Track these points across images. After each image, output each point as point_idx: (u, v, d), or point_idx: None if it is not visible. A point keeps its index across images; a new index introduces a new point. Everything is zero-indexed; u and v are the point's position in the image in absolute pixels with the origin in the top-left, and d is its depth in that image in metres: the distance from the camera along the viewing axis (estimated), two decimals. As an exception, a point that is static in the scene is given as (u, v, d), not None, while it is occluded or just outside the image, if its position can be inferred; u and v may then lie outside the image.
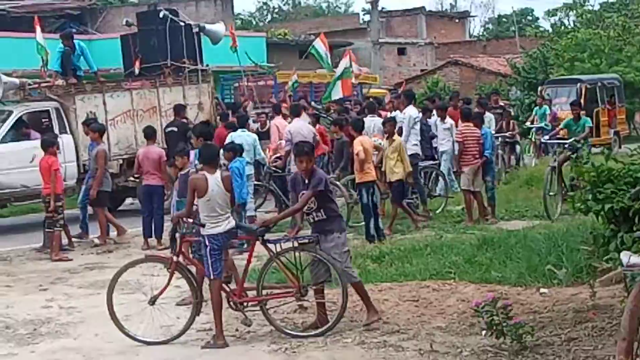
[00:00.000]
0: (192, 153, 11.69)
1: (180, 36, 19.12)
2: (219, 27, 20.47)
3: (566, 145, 15.18)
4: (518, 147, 21.58)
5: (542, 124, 23.79)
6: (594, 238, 8.32)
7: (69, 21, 34.60)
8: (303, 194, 8.66)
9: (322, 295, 8.86)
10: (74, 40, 18.14)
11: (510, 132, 20.70)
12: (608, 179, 7.92)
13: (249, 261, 8.95)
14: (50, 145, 13.78)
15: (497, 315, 7.61)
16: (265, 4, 76.83)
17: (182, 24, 19.47)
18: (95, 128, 15.16)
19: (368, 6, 39.24)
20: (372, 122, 16.40)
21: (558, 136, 16.18)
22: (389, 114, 17.58)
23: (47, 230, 13.92)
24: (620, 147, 24.95)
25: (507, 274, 10.10)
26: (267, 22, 67.14)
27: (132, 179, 15.59)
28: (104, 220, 14.54)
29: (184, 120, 17.49)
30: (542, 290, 9.56)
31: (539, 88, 28.87)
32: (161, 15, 19.31)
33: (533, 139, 23.46)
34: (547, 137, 17.24)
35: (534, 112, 25.14)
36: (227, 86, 25.35)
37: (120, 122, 17.67)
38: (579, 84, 27.10)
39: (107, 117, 17.38)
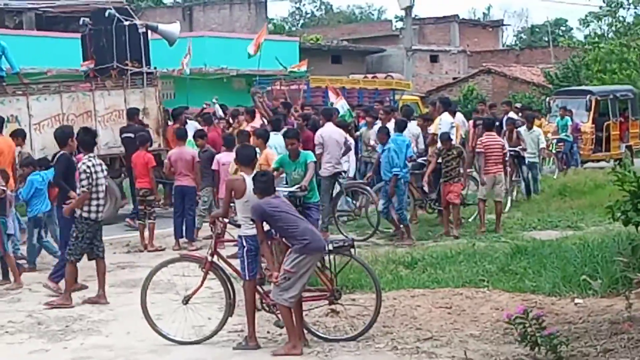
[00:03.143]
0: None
1: (123, 36, 17.93)
2: (174, 28, 19.40)
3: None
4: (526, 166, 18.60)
5: (563, 135, 23.51)
6: (633, 249, 8.22)
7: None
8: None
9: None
10: None
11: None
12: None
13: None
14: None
15: (530, 326, 7.54)
16: (298, 9, 77.18)
17: (126, 23, 18.08)
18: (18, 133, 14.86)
19: (401, 13, 39.11)
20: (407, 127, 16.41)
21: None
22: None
23: (139, 222, 14.53)
24: (632, 162, 23.79)
25: (542, 284, 10.01)
26: (299, 27, 67.29)
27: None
28: None
29: (141, 124, 16.93)
30: (576, 300, 9.46)
31: (547, 99, 28.51)
32: (106, 14, 18.24)
33: (554, 151, 23.05)
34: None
35: (555, 123, 24.58)
36: (260, 89, 25.31)
37: (47, 127, 16.54)
38: (588, 96, 25.79)
39: (31, 121, 16.57)
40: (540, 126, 21.30)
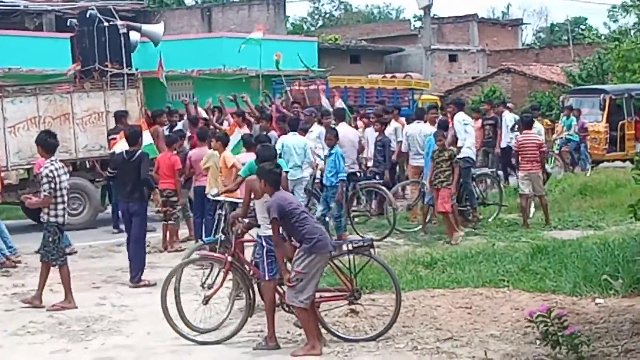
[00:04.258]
0: None
1: (103, 38, 17.73)
2: (157, 28, 19.15)
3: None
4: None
5: (567, 135, 23.10)
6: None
7: (123, 23, 35.00)
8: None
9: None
10: None
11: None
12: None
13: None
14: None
15: (552, 325, 7.50)
16: (317, 9, 77.19)
17: (106, 24, 17.83)
18: None
19: (420, 12, 39.14)
20: (419, 128, 16.42)
21: None
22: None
23: (163, 223, 14.56)
24: None
25: (562, 283, 9.96)
26: (318, 27, 67.31)
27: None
28: None
29: (128, 127, 16.16)
30: (597, 300, 9.41)
31: (561, 97, 28.24)
32: (87, 15, 18.09)
33: (556, 151, 22.61)
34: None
35: (560, 123, 24.27)
36: (278, 90, 25.37)
37: (23, 130, 16.44)
38: (602, 95, 25.39)
39: (5, 124, 16.38)
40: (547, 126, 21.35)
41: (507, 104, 23.06)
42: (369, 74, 30.96)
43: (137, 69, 18.14)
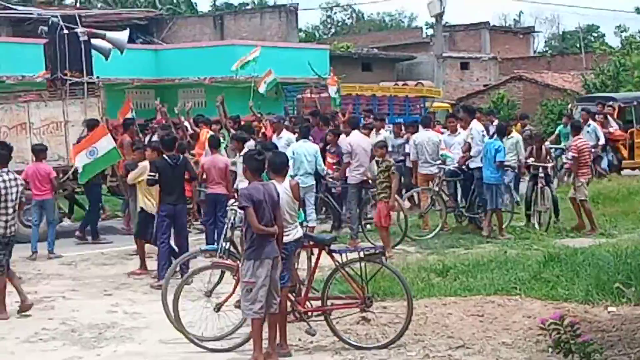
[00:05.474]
0: None
1: (62, 45, 17.05)
2: (122, 35, 18.49)
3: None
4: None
5: (564, 145, 22.23)
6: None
7: (136, 31, 35.14)
8: None
9: None
10: None
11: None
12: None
13: (314, 271, 8.94)
14: None
15: (565, 334, 7.48)
16: (329, 17, 77.30)
17: (65, 31, 17.11)
18: None
19: (431, 20, 39.11)
20: (427, 135, 16.41)
21: None
22: (445, 131, 17.57)
23: None
24: None
25: (574, 291, 9.93)
26: (330, 35, 67.39)
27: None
28: None
29: None
30: (610, 308, 9.39)
31: (569, 105, 27.98)
32: (49, 22, 17.48)
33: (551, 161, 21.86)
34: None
35: (557, 131, 23.51)
36: (290, 97, 25.45)
37: None
38: (611, 103, 24.77)
39: None
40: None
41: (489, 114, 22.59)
42: (380, 81, 30.98)
43: (98, 77, 17.57)
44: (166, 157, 12.40)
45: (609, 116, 22.02)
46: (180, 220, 12.52)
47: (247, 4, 55.40)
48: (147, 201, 13.13)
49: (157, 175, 12.22)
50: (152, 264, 12.96)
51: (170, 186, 12.29)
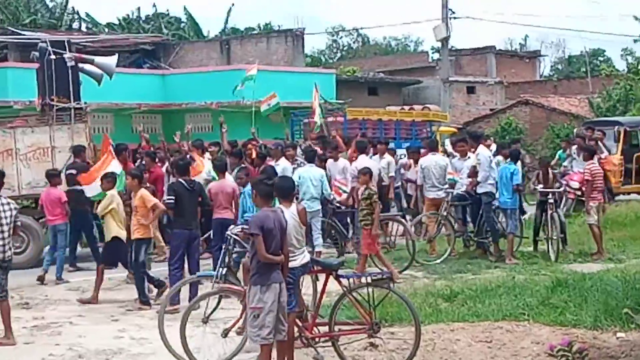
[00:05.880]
0: None
1: (50, 70, 17.06)
2: (111, 60, 18.29)
3: None
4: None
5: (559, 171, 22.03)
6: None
7: (143, 56, 35.34)
8: None
9: None
10: None
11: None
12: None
13: (321, 296, 8.92)
14: None
15: (573, 359, 7.43)
16: (335, 41, 77.51)
17: (52, 57, 17.10)
18: None
19: (438, 44, 39.29)
20: (434, 159, 16.38)
21: None
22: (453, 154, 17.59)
23: None
24: None
25: (583, 317, 9.88)
26: (336, 60, 67.59)
27: None
28: None
29: (86, 162, 16.12)
30: (619, 334, 9.33)
31: (575, 130, 27.90)
32: (38, 47, 17.53)
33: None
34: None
35: (557, 156, 23.54)
36: (297, 122, 25.49)
37: None
38: (617, 127, 25.10)
39: None
40: None
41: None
42: (386, 105, 30.99)
43: (85, 103, 17.60)
44: (182, 182, 12.47)
45: (599, 142, 21.65)
46: (194, 244, 12.57)
47: (254, 29, 55.55)
48: (122, 230, 13.09)
49: (174, 199, 12.26)
50: (120, 294, 13.14)
51: (186, 211, 12.36)
